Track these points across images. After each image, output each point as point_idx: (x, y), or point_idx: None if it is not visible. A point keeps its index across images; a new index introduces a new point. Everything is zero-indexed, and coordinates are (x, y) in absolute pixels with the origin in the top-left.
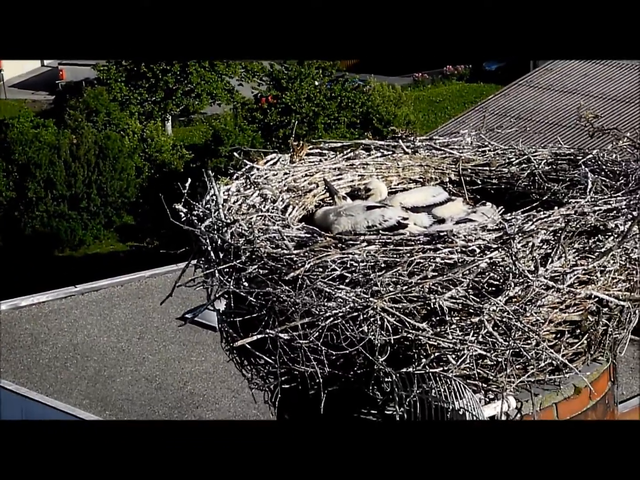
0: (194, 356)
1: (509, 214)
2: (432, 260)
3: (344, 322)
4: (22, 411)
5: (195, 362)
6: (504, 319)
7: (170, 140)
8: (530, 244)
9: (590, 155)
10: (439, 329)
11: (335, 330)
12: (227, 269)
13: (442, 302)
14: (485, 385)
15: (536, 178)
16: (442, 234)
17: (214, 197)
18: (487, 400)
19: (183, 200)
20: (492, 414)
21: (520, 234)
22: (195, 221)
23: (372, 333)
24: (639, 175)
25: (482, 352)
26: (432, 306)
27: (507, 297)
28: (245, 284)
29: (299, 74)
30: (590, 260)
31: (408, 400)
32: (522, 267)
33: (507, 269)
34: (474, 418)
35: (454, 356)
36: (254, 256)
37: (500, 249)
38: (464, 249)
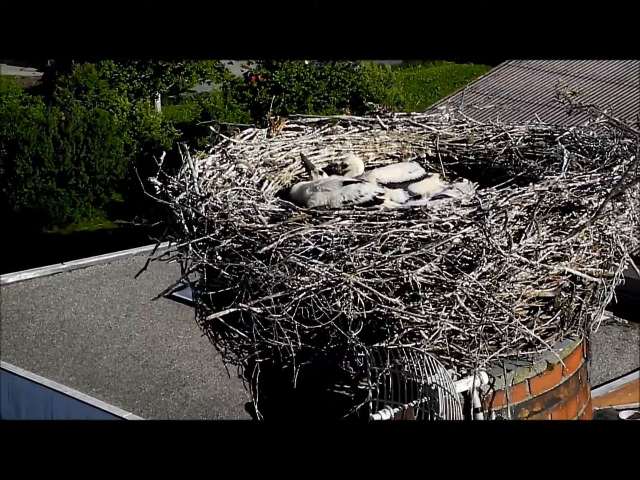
0: (181, 334)
1: (483, 190)
2: (405, 235)
3: (316, 296)
4: (9, 387)
5: (182, 340)
6: (477, 295)
7: (160, 118)
8: (503, 219)
9: (567, 132)
10: (411, 304)
11: (308, 305)
12: (201, 243)
13: (415, 277)
14: (458, 361)
15: (513, 154)
16: (415, 209)
17: (189, 171)
18: (460, 375)
19: (158, 173)
20: (464, 390)
21: (494, 210)
22: (170, 195)
23: (345, 308)
24: (614, 152)
25: (454, 327)
26: (405, 281)
27: (480, 273)
28: (219, 257)
29: None
30: (563, 236)
31: (381, 375)
32: (495, 242)
33: (481, 244)
34: (446, 393)
35: (426, 331)
36: (227, 230)
37: (473, 225)
38: (437, 225)
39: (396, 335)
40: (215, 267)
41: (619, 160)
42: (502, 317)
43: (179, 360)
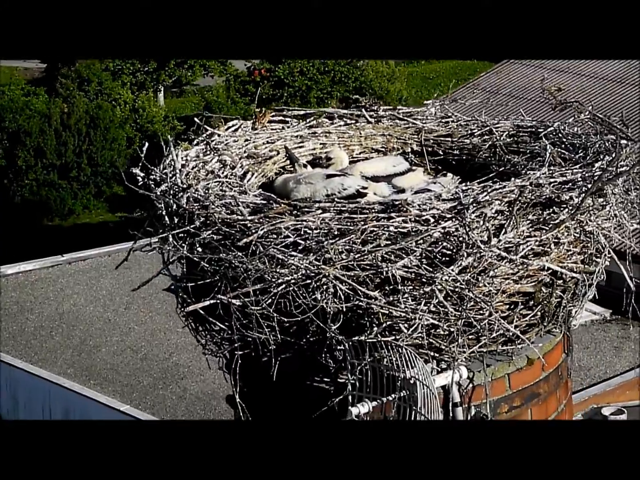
0: (180, 327)
1: (465, 184)
2: (385, 229)
3: (296, 289)
4: (7, 379)
5: (181, 334)
6: (457, 289)
7: (162, 111)
8: (483, 214)
9: (552, 128)
10: (391, 298)
11: (288, 298)
12: (181, 234)
13: (395, 270)
14: (438, 355)
15: (497, 150)
16: (396, 203)
17: (172, 162)
18: (439, 369)
19: (140, 164)
20: (444, 384)
21: (474, 205)
22: (152, 186)
23: (324, 301)
24: (597, 148)
25: (434, 321)
26: (385, 275)
27: (460, 267)
28: (199, 249)
29: None
30: (544, 231)
31: (360, 368)
32: (475, 237)
33: (461, 239)
34: (425, 387)
35: (405, 325)
36: (208, 222)
37: (453, 219)
38: (417, 218)
39: (375, 328)
40: (195, 258)
41: (602, 157)
42: (481, 312)
43: (177, 354)
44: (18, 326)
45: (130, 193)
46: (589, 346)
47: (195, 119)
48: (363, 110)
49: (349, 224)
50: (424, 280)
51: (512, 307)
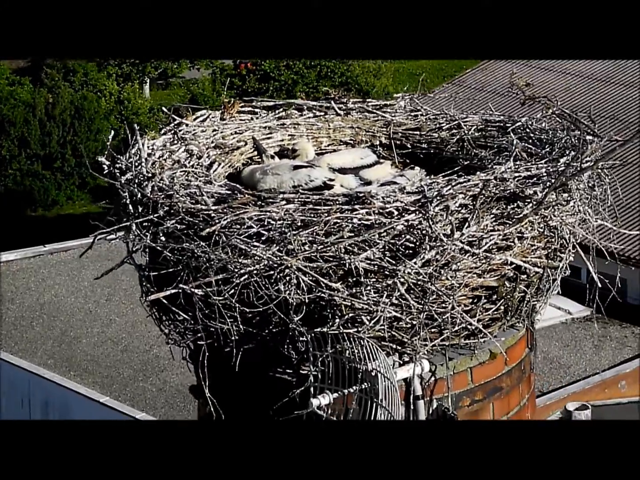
0: None
1: (430, 177)
2: (349, 220)
3: (258, 280)
4: None
5: None
6: (419, 282)
7: (148, 103)
8: (447, 207)
9: (519, 123)
10: (354, 290)
11: (250, 288)
12: (145, 223)
13: (358, 262)
14: (400, 348)
15: (465, 144)
16: (360, 195)
17: (138, 151)
18: (401, 362)
19: (106, 152)
20: (405, 377)
21: (437, 198)
22: (117, 174)
23: (287, 292)
24: (563, 143)
25: (396, 314)
26: (348, 267)
27: (422, 260)
28: (162, 238)
29: None
30: (507, 226)
31: (322, 360)
32: (438, 230)
33: (424, 232)
34: (386, 380)
35: (368, 317)
36: (172, 211)
37: (417, 212)
38: (381, 211)
39: (338, 320)
40: (158, 247)
41: (567, 152)
42: (444, 305)
43: (158, 346)
44: None
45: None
46: (569, 344)
47: (163, 108)
48: (332, 102)
49: (312, 215)
50: (386, 272)
51: (475, 301)
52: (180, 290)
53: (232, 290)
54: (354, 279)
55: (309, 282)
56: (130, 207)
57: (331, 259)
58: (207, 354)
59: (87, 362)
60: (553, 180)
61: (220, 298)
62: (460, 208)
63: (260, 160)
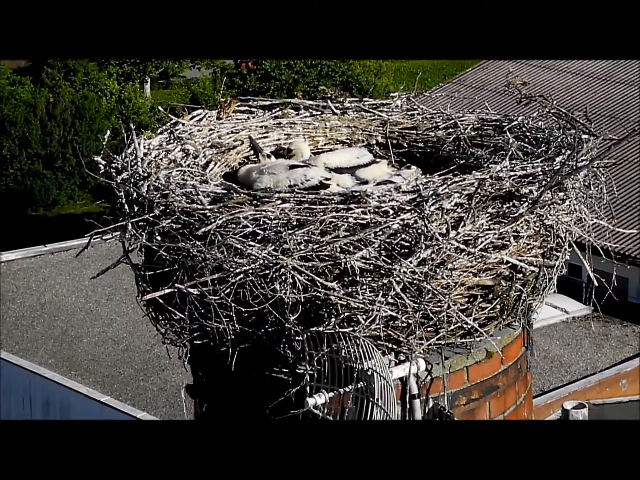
0: None
1: (425, 177)
2: (344, 220)
3: (254, 279)
4: None
5: None
6: (415, 281)
7: (148, 103)
8: (442, 207)
9: (516, 122)
10: (349, 289)
11: (246, 288)
12: (141, 223)
13: (353, 262)
14: (396, 347)
15: (461, 143)
16: (355, 194)
17: (134, 151)
18: (397, 361)
19: (102, 152)
20: (401, 376)
21: (433, 197)
22: (113, 174)
23: (283, 291)
24: (559, 142)
25: (392, 313)
26: (343, 266)
27: (418, 259)
28: (158, 238)
29: None
30: (503, 225)
31: (318, 359)
32: (434, 229)
33: (419, 231)
34: (382, 379)
35: (364, 317)
36: (167, 210)
37: (412, 211)
38: (376, 210)
39: (333, 319)
40: (154, 247)
41: (563, 151)
42: (440, 305)
43: (159, 345)
44: None
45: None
46: (570, 343)
47: (159, 108)
48: (329, 101)
49: (308, 214)
50: (382, 272)
51: (471, 300)
52: (175, 290)
53: (228, 290)
54: (350, 278)
55: (304, 281)
56: (126, 206)
57: (327, 258)
58: (203, 353)
59: (88, 361)
60: (549, 179)
61: (216, 297)
62: (455, 207)
63: (256, 159)
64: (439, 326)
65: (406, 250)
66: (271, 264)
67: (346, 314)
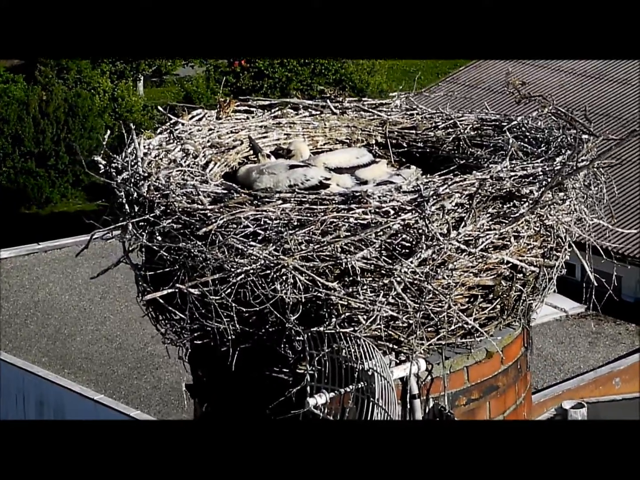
0: None
1: (426, 177)
2: (345, 220)
3: (255, 279)
4: None
5: None
6: (416, 281)
7: (142, 101)
8: (443, 207)
9: (515, 122)
10: (350, 289)
11: (247, 288)
12: (141, 223)
13: (354, 262)
14: (396, 347)
15: (461, 143)
16: (356, 194)
17: (134, 150)
18: (398, 362)
19: (102, 152)
20: (402, 376)
21: (434, 197)
22: (113, 174)
23: (283, 291)
24: (559, 142)
25: (392, 313)
26: (344, 266)
27: (419, 260)
28: (159, 238)
29: None
30: (503, 225)
31: (318, 359)
32: (435, 229)
33: (420, 231)
34: (383, 379)
35: (364, 317)
36: (168, 210)
37: (413, 211)
38: (377, 210)
39: (334, 319)
40: (154, 247)
41: (563, 151)
42: (440, 305)
43: (152, 344)
44: None
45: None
46: (564, 341)
47: (159, 107)
48: (328, 101)
49: (309, 214)
50: (383, 272)
51: (471, 300)
52: (176, 290)
53: (229, 290)
54: (351, 278)
55: (305, 281)
56: (127, 206)
57: (327, 258)
58: (203, 353)
59: (82, 359)
60: (549, 180)
61: (217, 297)
62: (456, 207)
63: (256, 159)
64: (439, 326)
65: (407, 251)
66: (272, 264)
67: (347, 314)
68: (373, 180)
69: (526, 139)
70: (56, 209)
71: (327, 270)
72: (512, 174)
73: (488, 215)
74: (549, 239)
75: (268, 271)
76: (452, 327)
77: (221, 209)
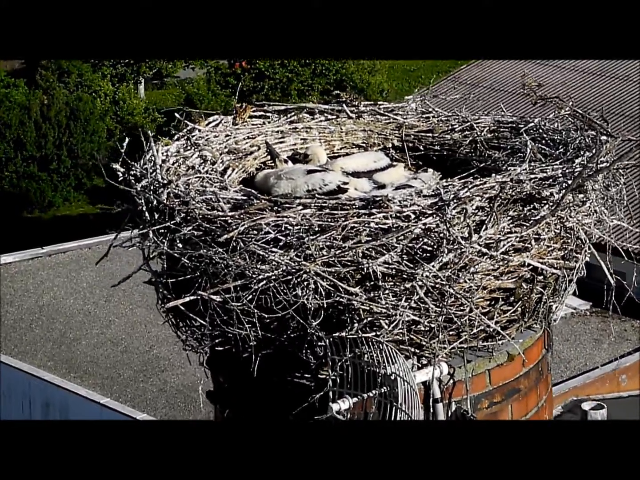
0: (161, 320)
1: (446, 180)
2: (366, 225)
3: (277, 285)
4: None
5: (162, 326)
6: (437, 285)
7: (143, 103)
8: (464, 210)
9: (532, 124)
10: (372, 294)
11: (269, 294)
12: (162, 230)
13: (376, 267)
14: (418, 351)
15: (478, 145)
16: (377, 199)
17: (152, 158)
18: (420, 365)
19: (121, 160)
20: (424, 380)
21: (455, 201)
22: (132, 181)
23: (305, 297)
24: (577, 144)
25: (414, 317)
26: (366, 271)
27: (440, 263)
28: (180, 245)
29: None
30: (524, 227)
31: (340, 364)
32: (456, 233)
33: (441, 235)
34: (406, 383)
35: (386, 321)
36: (188, 217)
37: (434, 215)
38: (398, 215)
39: (356, 324)
40: (175, 254)
41: (582, 153)
42: (462, 308)
43: (158, 346)
44: None
45: (110, 185)
46: (569, 338)
47: (177, 115)
48: (344, 105)
49: (329, 220)
50: (404, 276)
51: (492, 303)
52: (198, 297)
53: (251, 296)
54: (372, 283)
55: (327, 286)
56: (147, 214)
57: (349, 263)
58: (224, 359)
59: (87, 363)
60: (570, 182)
61: (239, 304)
62: (477, 210)
63: (273, 164)
64: (461, 330)
65: (428, 255)
66: (294, 270)
67: (369, 318)
68: (391, 184)
69: (543, 141)
70: (59, 213)
71: (348, 275)
72: (532, 176)
73: (509, 218)
74: (569, 240)
75: (290, 277)
76: (474, 331)
77: (242, 216)
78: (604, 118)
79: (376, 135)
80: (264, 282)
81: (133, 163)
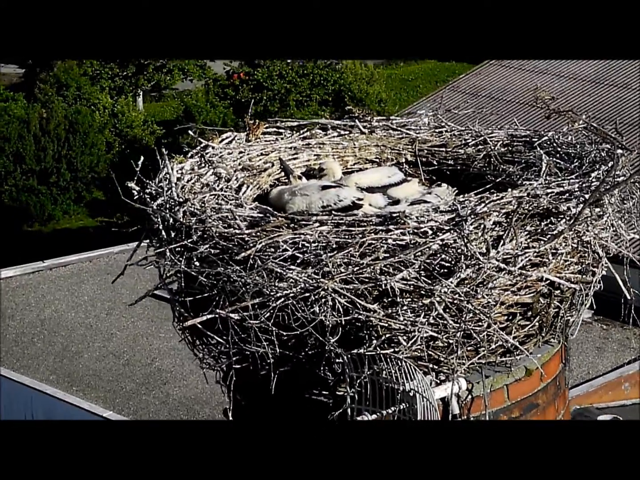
0: (162, 332)
1: (462, 196)
2: (383, 241)
3: (294, 302)
4: None
5: (164, 339)
6: (455, 301)
7: (141, 116)
8: (482, 226)
9: (546, 137)
10: (390, 310)
11: (287, 311)
12: (179, 249)
13: (393, 283)
14: (437, 367)
15: (492, 159)
16: (394, 215)
17: (167, 176)
18: (438, 381)
19: (136, 178)
20: (443, 396)
21: (472, 216)
22: (148, 199)
23: (323, 314)
24: (592, 158)
25: (433, 333)
26: (384, 287)
27: (458, 279)
28: (197, 263)
29: None
30: (542, 242)
31: (359, 381)
32: (474, 249)
33: (459, 250)
34: (424, 400)
35: (405, 337)
36: (205, 236)
37: (452, 231)
38: (416, 231)
39: (374, 341)
40: (192, 272)
41: (597, 166)
42: (480, 323)
43: (160, 359)
44: None
45: (109, 198)
46: (571, 347)
47: (190, 132)
48: (356, 121)
49: (347, 236)
50: (422, 292)
51: (510, 318)
52: (216, 315)
53: (269, 314)
54: (390, 299)
55: (345, 303)
56: (163, 232)
57: (367, 280)
58: (241, 376)
59: (89, 376)
60: (588, 196)
61: (257, 322)
62: (494, 226)
63: (287, 181)
64: (479, 345)
65: (446, 270)
66: (311, 287)
67: (387, 335)
68: (405, 199)
69: (558, 155)
70: (59, 226)
71: (366, 292)
72: (549, 190)
73: (526, 233)
74: (586, 254)
75: (307, 294)
76: (492, 346)
77: (259, 233)
78: (618, 131)
79: (389, 150)
80: (282, 299)
81: (148, 181)
